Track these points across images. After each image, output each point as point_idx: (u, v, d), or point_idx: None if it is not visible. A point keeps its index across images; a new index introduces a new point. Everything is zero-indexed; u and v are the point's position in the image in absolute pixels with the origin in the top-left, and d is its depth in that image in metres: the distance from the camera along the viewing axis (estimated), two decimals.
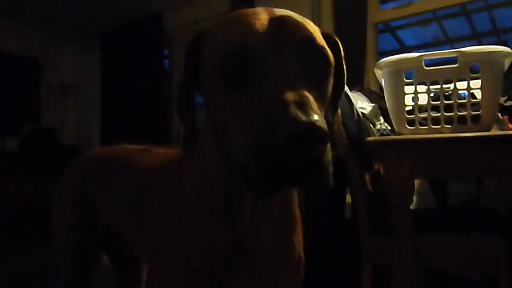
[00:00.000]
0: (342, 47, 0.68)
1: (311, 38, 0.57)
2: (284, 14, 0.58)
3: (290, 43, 0.54)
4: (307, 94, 0.50)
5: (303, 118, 0.45)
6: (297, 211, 0.79)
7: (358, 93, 1.82)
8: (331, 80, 0.60)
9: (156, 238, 0.81)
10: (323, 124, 0.46)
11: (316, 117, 0.46)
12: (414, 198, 1.29)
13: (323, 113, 0.57)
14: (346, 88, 1.44)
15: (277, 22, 0.56)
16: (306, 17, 0.61)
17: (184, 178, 0.76)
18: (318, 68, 0.57)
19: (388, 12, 3.16)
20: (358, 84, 2.74)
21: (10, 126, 4.52)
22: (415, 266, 1.28)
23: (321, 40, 0.59)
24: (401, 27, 4.75)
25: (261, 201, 0.68)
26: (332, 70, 0.60)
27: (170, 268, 0.74)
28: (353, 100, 1.45)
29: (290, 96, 0.48)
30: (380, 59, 1.33)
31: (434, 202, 2.12)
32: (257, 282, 0.72)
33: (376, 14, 3.11)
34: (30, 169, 4.36)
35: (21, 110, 4.85)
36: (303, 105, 0.47)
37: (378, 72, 1.40)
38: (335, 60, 0.63)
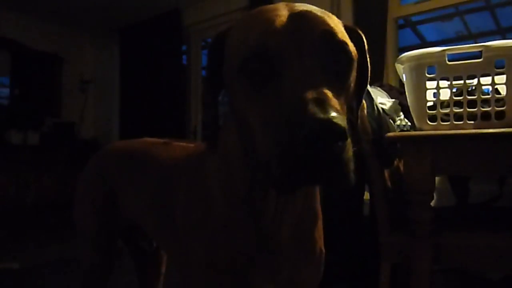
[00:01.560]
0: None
1: (332, 33, 0.56)
2: (304, 9, 0.57)
3: (310, 39, 0.54)
4: (326, 91, 0.50)
5: (321, 115, 0.45)
6: (318, 206, 0.79)
7: (378, 88, 1.79)
8: (354, 74, 0.60)
9: (179, 233, 0.81)
10: (341, 120, 0.46)
11: (334, 113, 0.46)
12: (434, 195, 1.26)
13: (345, 108, 0.57)
14: None
15: (297, 18, 0.56)
16: (325, 10, 0.61)
17: (207, 173, 0.76)
18: (340, 63, 0.57)
19: (409, 7, 3.11)
20: (377, 80, 2.71)
21: (31, 120, 4.62)
22: (434, 264, 1.26)
23: (342, 35, 0.58)
24: (422, 22, 4.66)
25: (284, 197, 0.68)
26: (355, 65, 0.60)
27: (193, 263, 0.75)
28: (373, 96, 1.43)
29: (309, 93, 0.48)
30: (400, 55, 1.31)
31: (454, 200, 2.08)
32: (278, 277, 0.72)
33: (397, 9, 3.07)
34: (51, 163, 4.45)
35: (42, 104, 4.95)
36: (321, 102, 0.47)
37: (399, 67, 1.37)
38: (358, 54, 0.62)
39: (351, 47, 0.59)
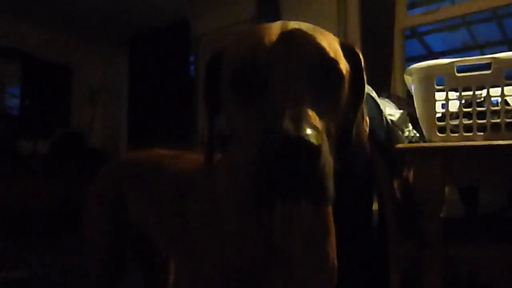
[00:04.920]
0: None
1: (320, 52, 0.57)
2: (297, 27, 0.58)
3: (298, 57, 0.55)
4: (306, 109, 0.50)
5: (292, 132, 0.46)
6: (330, 220, 0.79)
7: (386, 99, 1.80)
8: (344, 92, 0.60)
9: (190, 244, 0.82)
10: (313, 138, 0.46)
11: (308, 131, 0.46)
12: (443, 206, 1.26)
13: (332, 125, 0.56)
14: (375, 95, 1.43)
15: (287, 35, 0.57)
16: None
17: (217, 185, 0.77)
18: (329, 80, 0.57)
19: (416, 18, 3.12)
20: (385, 90, 2.71)
21: (41, 130, 4.67)
22: (444, 275, 1.25)
23: (334, 52, 0.59)
24: (428, 32, 4.67)
25: (289, 208, 0.68)
26: (345, 82, 0.60)
27: (204, 274, 0.75)
28: (381, 107, 1.44)
29: (286, 111, 0.49)
30: (407, 65, 1.32)
31: (463, 210, 2.07)
32: None
33: (404, 19, 3.08)
34: (60, 172, 4.49)
35: (52, 114, 5.01)
36: (297, 120, 0.48)
37: (407, 79, 1.38)
38: (354, 71, 0.63)
39: (342, 64, 0.60)
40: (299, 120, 0.48)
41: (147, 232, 1.15)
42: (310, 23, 0.63)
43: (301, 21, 0.62)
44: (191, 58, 4.62)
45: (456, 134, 1.23)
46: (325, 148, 0.49)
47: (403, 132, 1.59)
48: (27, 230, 4.00)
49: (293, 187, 0.48)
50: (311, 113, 0.51)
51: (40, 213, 4.22)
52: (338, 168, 0.52)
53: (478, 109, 1.21)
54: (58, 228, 4.15)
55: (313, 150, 0.46)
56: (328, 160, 0.49)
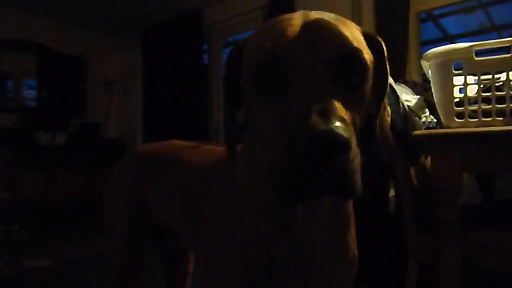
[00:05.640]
0: (383, 37, 0.66)
1: (345, 42, 0.55)
2: (319, 17, 0.57)
3: (322, 48, 0.54)
4: (333, 102, 0.50)
5: (322, 126, 0.45)
6: (350, 210, 0.78)
7: (403, 85, 1.78)
8: (369, 83, 0.58)
9: (210, 235, 0.82)
10: (344, 131, 0.46)
11: (337, 124, 0.46)
12: None
13: (359, 118, 0.56)
14: (391, 81, 1.41)
15: (309, 27, 0.55)
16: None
17: (236, 178, 0.77)
18: (354, 71, 0.56)
19: (431, 0, 3.05)
20: (400, 75, 2.68)
21: (58, 121, 4.74)
22: (462, 263, 1.25)
23: (357, 43, 0.57)
24: (444, 15, 4.56)
25: (311, 202, 0.68)
26: (369, 73, 0.58)
27: (225, 267, 0.75)
28: (398, 93, 1.42)
29: (314, 105, 0.48)
30: (423, 49, 1.30)
31: (481, 197, 2.04)
32: (311, 282, 0.72)
33: (419, 2, 3.01)
34: (78, 162, 4.56)
35: (68, 106, 5.08)
36: (325, 114, 0.47)
37: (424, 64, 1.36)
38: (377, 61, 0.61)
39: (366, 55, 0.58)
40: (328, 113, 0.47)
41: (165, 223, 1.16)
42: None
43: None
44: (205, 47, 4.61)
45: (475, 120, 1.21)
46: (354, 141, 0.48)
47: (420, 118, 1.57)
48: (46, 220, 4.10)
49: (324, 182, 0.47)
50: (338, 105, 0.50)
51: (59, 203, 4.31)
52: (364, 160, 0.51)
53: (498, 93, 1.18)
54: (76, 218, 4.24)
55: (344, 144, 0.45)
56: (356, 153, 0.48)
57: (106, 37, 5.50)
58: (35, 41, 4.74)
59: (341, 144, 0.45)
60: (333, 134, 0.45)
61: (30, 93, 4.96)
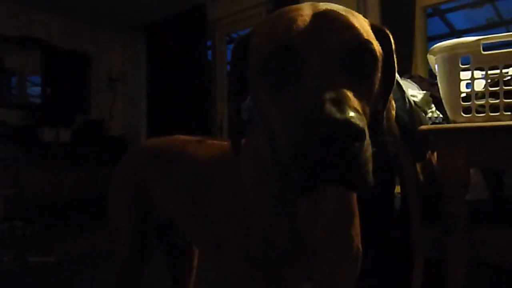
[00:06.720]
0: (390, 32, 0.65)
1: (355, 33, 0.55)
2: (328, 8, 0.57)
3: (333, 39, 0.53)
4: (345, 91, 0.49)
5: (337, 115, 0.44)
6: (354, 203, 0.78)
7: (409, 80, 1.76)
8: (378, 75, 0.58)
9: (214, 228, 0.82)
10: (359, 120, 0.45)
11: (352, 113, 0.45)
12: None
13: (368, 109, 0.56)
14: (397, 76, 1.40)
15: (320, 17, 0.55)
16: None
17: (241, 171, 0.76)
18: (363, 62, 0.55)
19: None
20: (406, 70, 2.66)
21: (63, 118, 4.76)
22: (469, 259, 1.23)
23: (367, 34, 0.57)
24: (450, 10, 4.52)
25: (306, 198, 0.67)
26: (379, 65, 0.58)
27: (228, 260, 0.75)
28: (404, 88, 1.41)
29: (327, 93, 0.47)
30: (429, 45, 1.28)
31: (488, 193, 2.02)
32: (315, 275, 0.72)
33: None
34: (82, 158, 4.59)
35: (73, 102, 5.10)
36: (339, 102, 0.46)
37: (431, 58, 1.34)
38: (385, 53, 0.61)
39: (376, 46, 0.58)
40: (341, 102, 0.46)
41: (170, 217, 1.16)
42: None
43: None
44: (208, 43, 4.61)
45: (482, 114, 1.20)
46: (367, 131, 0.48)
47: (426, 113, 1.56)
48: (51, 216, 4.12)
49: (337, 171, 0.46)
50: (351, 95, 0.50)
51: (64, 199, 4.33)
52: (374, 152, 0.50)
53: (505, 88, 1.17)
54: (80, 214, 4.25)
55: (360, 133, 0.45)
56: (369, 144, 0.48)
57: (110, 33, 5.50)
58: (39, 38, 4.75)
59: (357, 133, 0.45)
60: (349, 123, 0.44)
61: (34, 90, 4.98)
